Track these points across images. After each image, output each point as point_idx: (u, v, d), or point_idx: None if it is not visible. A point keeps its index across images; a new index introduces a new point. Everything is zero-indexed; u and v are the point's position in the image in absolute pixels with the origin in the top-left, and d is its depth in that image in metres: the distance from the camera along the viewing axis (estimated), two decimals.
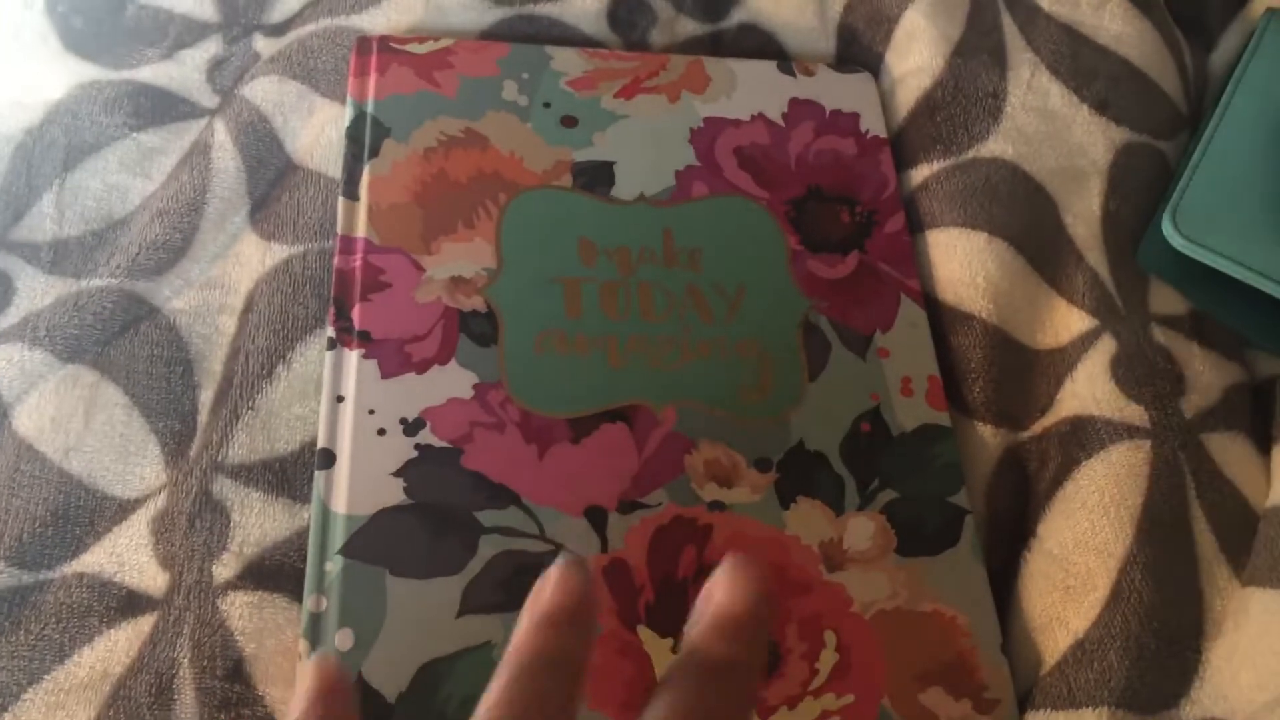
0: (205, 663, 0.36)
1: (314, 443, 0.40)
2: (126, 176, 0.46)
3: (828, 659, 0.38)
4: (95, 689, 0.36)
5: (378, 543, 0.37)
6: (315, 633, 0.35)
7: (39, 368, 0.41)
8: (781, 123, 0.49)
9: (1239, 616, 0.39)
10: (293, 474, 0.40)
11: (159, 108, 0.48)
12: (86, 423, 0.40)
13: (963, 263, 0.46)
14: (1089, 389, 0.43)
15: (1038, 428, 0.44)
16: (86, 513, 0.39)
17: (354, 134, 0.45)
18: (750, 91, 0.50)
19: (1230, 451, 0.43)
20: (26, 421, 0.40)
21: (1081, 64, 0.51)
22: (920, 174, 0.49)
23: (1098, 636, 0.38)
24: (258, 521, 0.39)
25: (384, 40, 0.48)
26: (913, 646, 0.39)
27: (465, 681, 0.35)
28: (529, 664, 0.28)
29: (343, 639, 0.35)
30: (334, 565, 0.37)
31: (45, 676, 0.36)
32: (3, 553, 0.38)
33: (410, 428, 0.39)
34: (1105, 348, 0.44)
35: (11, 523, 0.38)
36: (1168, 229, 0.45)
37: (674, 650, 0.37)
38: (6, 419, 0.40)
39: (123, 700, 0.36)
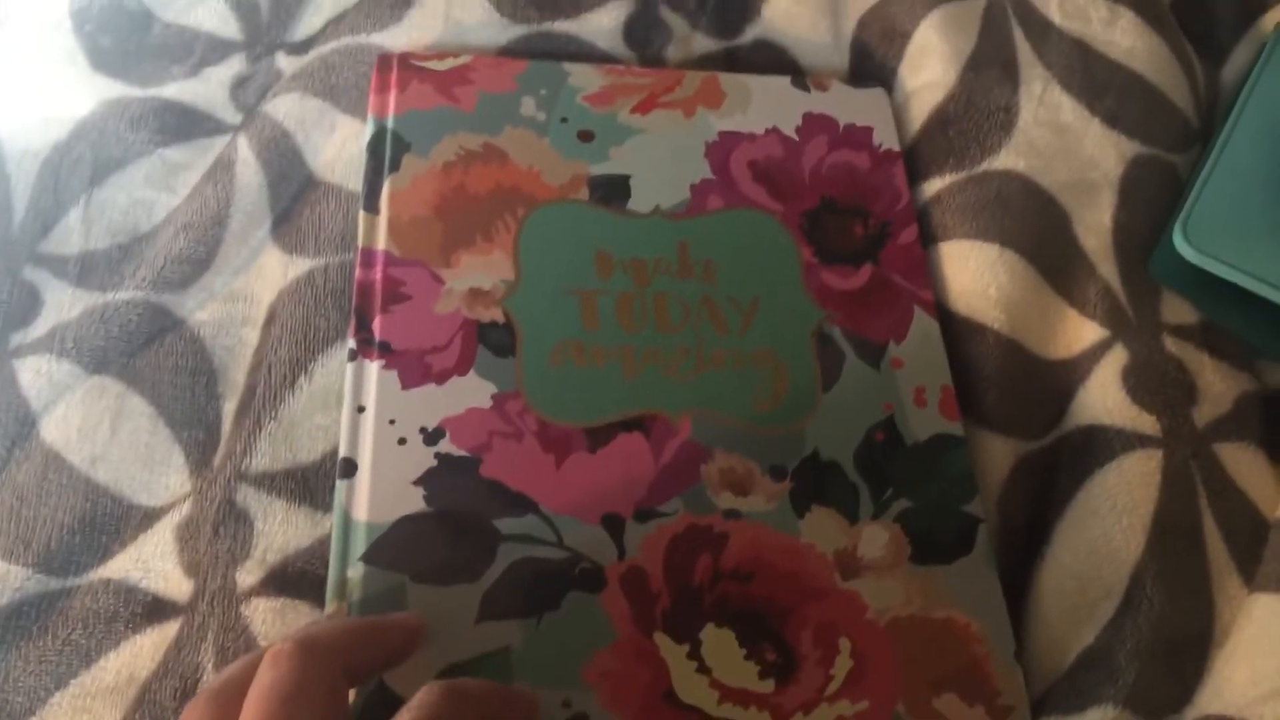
0: None
1: (335, 452, 0.40)
2: (152, 191, 0.47)
3: (843, 665, 0.38)
4: (121, 693, 0.37)
5: (398, 550, 0.38)
6: None
7: (66, 379, 0.42)
8: (795, 137, 0.50)
9: (1241, 620, 0.39)
10: (315, 483, 0.40)
11: (184, 124, 0.49)
12: (113, 432, 0.41)
13: (975, 274, 0.46)
14: (1101, 399, 0.44)
15: (1050, 437, 0.44)
16: (113, 520, 0.40)
17: (374, 149, 0.46)
18: (764, 106, 0.51)
19: (1241, 461, 0.43)
20: (54, 431, 0.41)
21: (1093, 78, 0.51)
22: (933, 187, 0.49)
23: (1108, 642, 0.39)
24: (280, 529, 0.39)
25: (404, 57, 0.49)
26: (927, 653, 0.39)
27: None
28: None
29: None
30: (355, 572, 0.37)
31: (72, 681, 0.37)
32: (31, 560, 0.39)
33: (430, 437, 0.40)
34: (1117, 358, 0.44)
35: (40, 530, 0.39)
36: (1179, 240, 0.45)
37: (689, 656, 0.37)
38: (35, 429, 0.41)
39: (148, 704, 0.36)
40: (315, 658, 0.30)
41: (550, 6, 0.52)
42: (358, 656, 0.33)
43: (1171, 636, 0.39)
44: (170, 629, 0.38)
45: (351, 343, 0.42)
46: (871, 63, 0.54)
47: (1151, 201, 0.49)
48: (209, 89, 0.50)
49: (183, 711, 0.30)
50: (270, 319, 0.44)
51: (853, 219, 0.48)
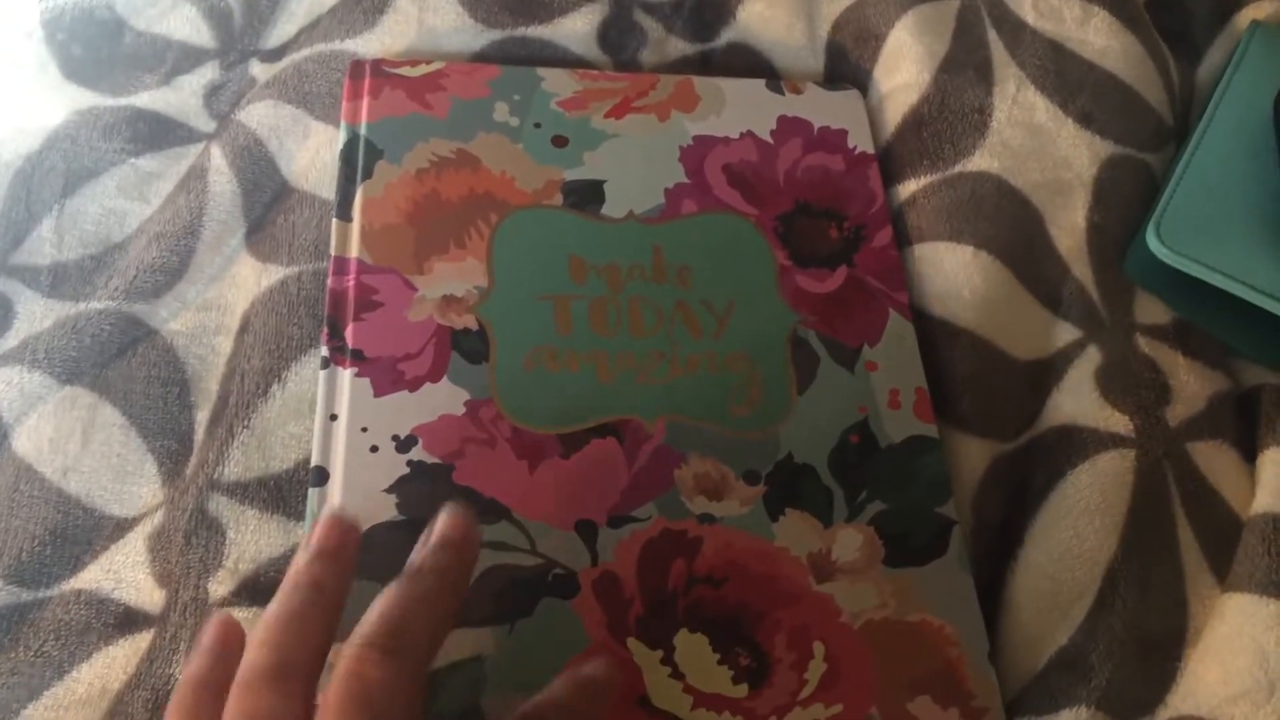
0: None
1: (308, 460, 0.40)
2: (124, 201, 0.47)
3: (816, 669, 0.38)
4: (94, 705, 0.37)
5: (371, 558, 0.37)
6: None
7: (38, 389, 0.41)
8: (770, 140, 0.50)
9: (1214, 620, 0.39)
10: (287, 491, 0.40)
11: (156, 133, 0.49)
12: (84, 443, 0.41)
13: (950, 276, 0.46)
14: (1074, 399, 0.44)
15: (1024, 438, 0.44)
16: (84, 531, 0.40)
17: (347, 156, 0.46)
18: (739, 110, 0.51)
19: (1215, 460, 0.43)
20: (25, 442, 0.41)
21: (1066, 78, 0.51)
22: (907, 189, 0.49)
23: (1081, 642, 0.39)
24: (253, 538, 0.39)
25: (377, 64, 0.49)
26: (901, 656, 0.39)
27: (457, 694, 0.36)
28: (292, 590, 0.32)
29: (334, 654, 0.36)
30: None
31: (45, 693, 0.37)
32: (2, 571, 0.39)
33: (403, 445, 0.40)
34: (1091, 358, 0.45)
35: (11, 542, 0.39)
36: (1152, 240, 0.45)
37: (663, 662, 0.37)
38: (6, 440, 0.41)
39: (121, 715, 0.36)
40: (403, 663, 0.30)
41: (524, 11, 0.52)
42: (436, 644, 0.32)
43: (1144, 636, 0.39)
44: (143, 640, 0.38)
45: (324, 351, 0.41)
46: (846, 65, 0.54)
47: (1125, 201, 0.49)
48: (182, 97, 0.50)
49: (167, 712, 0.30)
50: (243, 328, 0.44)
51: (827, 222, 0.48)
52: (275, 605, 0.32)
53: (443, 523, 0.34)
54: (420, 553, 0.34)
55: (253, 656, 0.30)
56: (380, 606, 0.31)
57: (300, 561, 0.33)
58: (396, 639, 0.30)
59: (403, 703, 0.30)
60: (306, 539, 0.34)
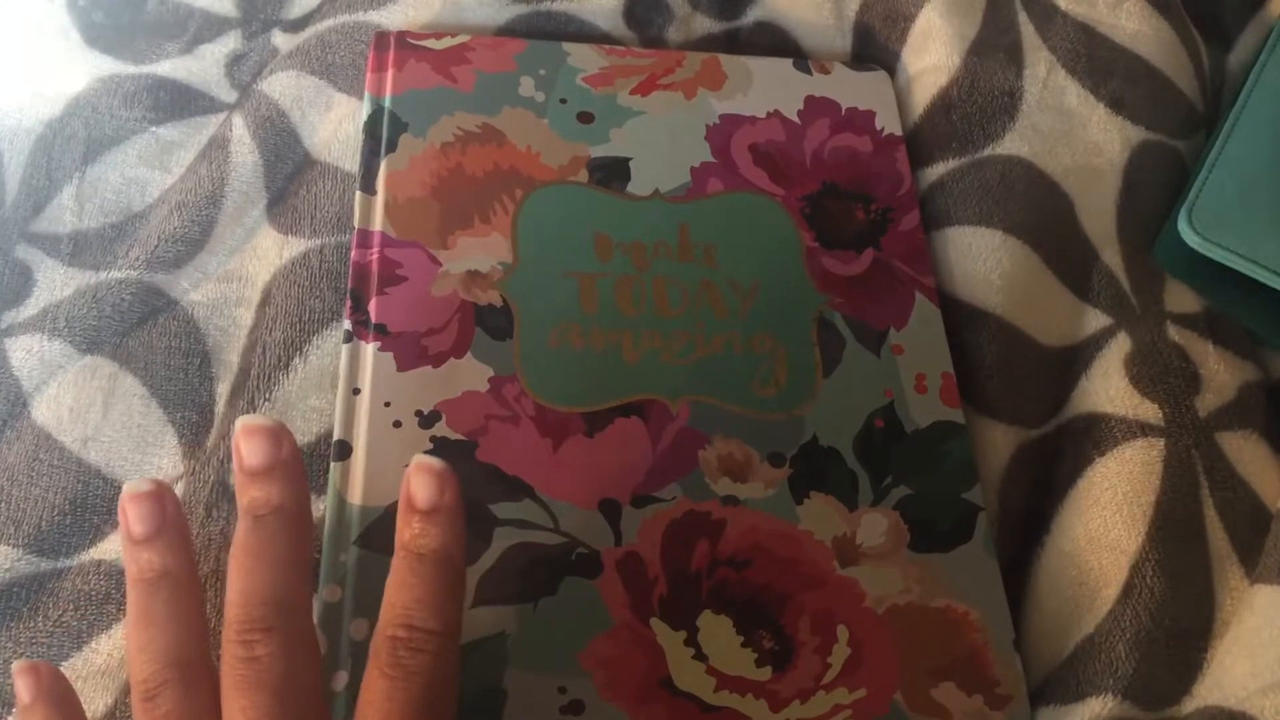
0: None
1: (329, 434, 0.40)
2: (145, 170, 0.47)
3: (840, 653, 0.38)
4: (113, 675, 0.36)
5: (393, 534, 0.37)
6: (330, 622, 0.36)
7: (58, 358, 0.41)
8: (797, 120, 0.49)
9: (1242, 611, 0.39)
10: (309, 465, 0.40)
11: (178, 102, 0.48)
12: (105, 413, 0.41)
13: (978, 260, 0.46)
14: (1103, 386, 0.43)
15: (1051, 425, 0.44)
16: (104, 501, 0.39)
17: (371, 129, 0.46)
18: (766, 89, 0.50)
19: (1244, 450, 0.43)
20: (45, 411, 0.40)
21: (1098, 62, 0.51)
22: (936, 171, 0.49)
23: (1107, 631, 0.38)
24: None
25: (402, 36, 0.48)
26: (925, 642, 0.39)
27: (479, 672, 0.35)
28: (146, 589, 0.32)
29: (358, 629, 0.35)
30: (349, 556, 0.37)
31: (63, 663, 0.37)
32: (22, 540, 0.38)
33: (426, 420, 0.39)
34: (1120, 346, 0.44)
35: (30, 511, 0.39)
36: (1183, 227, 0.45)
37: (686, 643, 0.37)
38: (26, 409, 0.40)
39: None
40: (286, 631, 0.31)
41: None
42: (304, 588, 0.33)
43: (1172, 627, 0.38)
44: None
45: (347, 324, 0.41)
46: (874, 46, 0.54)
47: (1156, 188, 0.49)
48: (204, 66, 0.49)
49: None
50: (265, 300, 0.44)
51: (854, 204, 0.48)
52: (136, 608, 0.32)
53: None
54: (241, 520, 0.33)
55: (141, 667, 0.31)
56: (239, 583, 0.31)
57: (136, 557, 0.33)
58: (272, 607, 0.31)
59: (300, 667, 0.30)
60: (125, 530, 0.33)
